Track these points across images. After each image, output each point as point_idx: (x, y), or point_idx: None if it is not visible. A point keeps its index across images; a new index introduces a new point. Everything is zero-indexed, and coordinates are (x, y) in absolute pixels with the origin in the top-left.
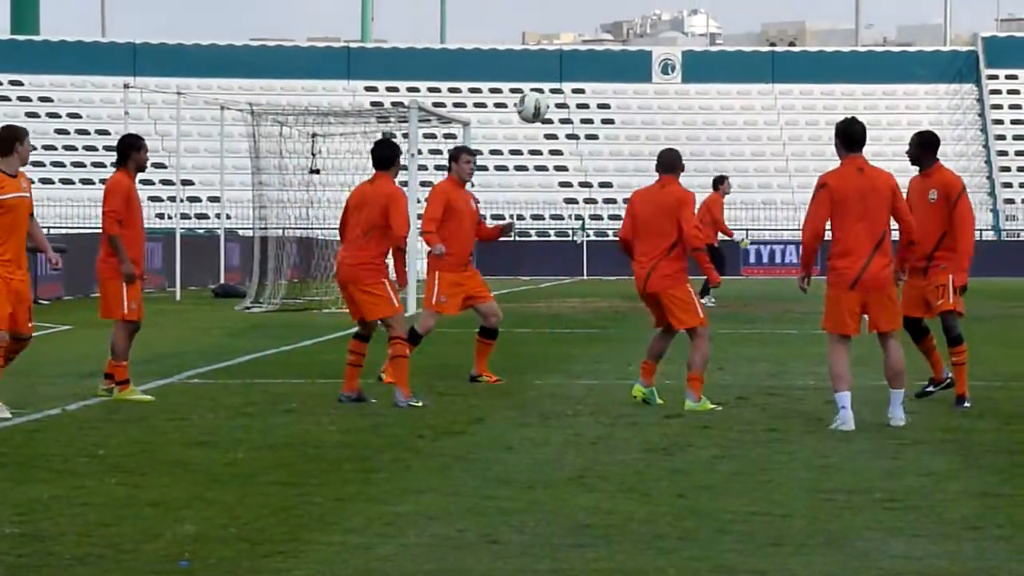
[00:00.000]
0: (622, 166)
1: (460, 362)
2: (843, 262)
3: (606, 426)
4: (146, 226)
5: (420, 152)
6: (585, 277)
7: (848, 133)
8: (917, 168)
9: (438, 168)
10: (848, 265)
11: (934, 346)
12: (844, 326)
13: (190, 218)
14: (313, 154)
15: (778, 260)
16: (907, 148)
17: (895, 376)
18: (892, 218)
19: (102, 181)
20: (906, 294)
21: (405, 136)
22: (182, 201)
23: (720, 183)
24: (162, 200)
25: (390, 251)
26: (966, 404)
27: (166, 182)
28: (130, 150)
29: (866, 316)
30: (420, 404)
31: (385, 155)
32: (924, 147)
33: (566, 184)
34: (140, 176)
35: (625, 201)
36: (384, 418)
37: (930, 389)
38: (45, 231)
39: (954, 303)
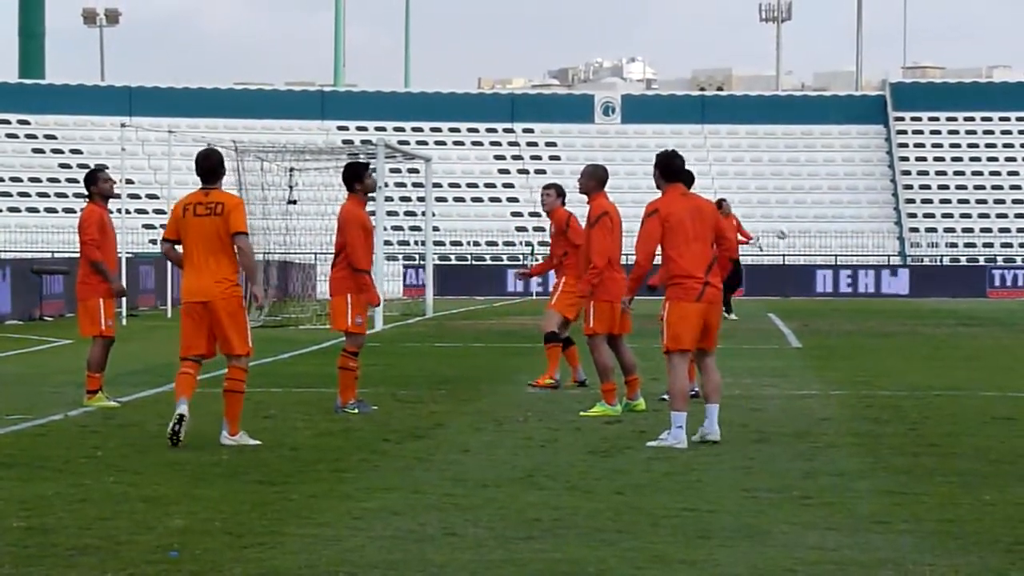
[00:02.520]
0: (567, 198)
1: (422, 373)
2: (687, 280)
3: (553, 431)
4: (140, 251)
5: (386, 185)
6: (534, 297)
7: (668, 164)
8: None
9: (402, 199)
10: (693, 283)
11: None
12: (688, 340)
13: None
14: (291, 186)
15: None
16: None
17: (715, 391)
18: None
19: None
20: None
21: (373, 171)
22: None
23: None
24: (155, 228)
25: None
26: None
27: (159, 211)
28: (89, 184)
29: None
30: (355, 412)
31: (344, 176)
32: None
33: (517, 214)
34: (136, 206)
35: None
36: (354, 423)
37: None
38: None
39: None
